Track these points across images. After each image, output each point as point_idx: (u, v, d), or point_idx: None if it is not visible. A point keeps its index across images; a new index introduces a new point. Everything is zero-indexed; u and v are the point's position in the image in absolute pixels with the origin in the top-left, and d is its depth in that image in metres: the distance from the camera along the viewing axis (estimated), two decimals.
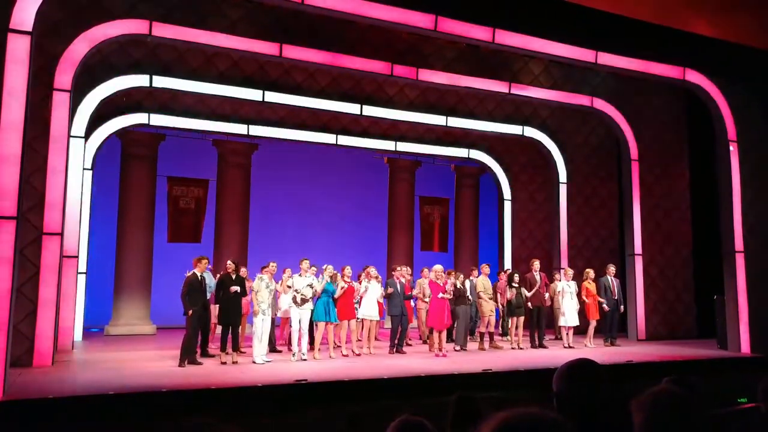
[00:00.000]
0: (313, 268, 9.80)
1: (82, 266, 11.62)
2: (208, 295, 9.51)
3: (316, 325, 9.62)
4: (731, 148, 11.47)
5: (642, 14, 10.43)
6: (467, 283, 11.04)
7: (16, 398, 6.34)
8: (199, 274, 8.96)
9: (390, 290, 10.40)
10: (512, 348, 10.93)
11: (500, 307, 11.41)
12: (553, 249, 14.35)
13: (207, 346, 9.89)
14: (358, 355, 9.82)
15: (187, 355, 8.75)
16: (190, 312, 8.75)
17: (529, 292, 11.29)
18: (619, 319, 12.13)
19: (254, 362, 8.91)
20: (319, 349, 9.59)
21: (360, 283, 10.56)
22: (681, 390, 1.82)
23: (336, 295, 9.64)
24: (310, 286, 9.35)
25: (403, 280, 10.83)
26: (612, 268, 11.82)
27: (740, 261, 11.19)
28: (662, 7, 10.34)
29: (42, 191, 8.56)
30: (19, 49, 6.89)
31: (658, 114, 13.65)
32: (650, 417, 1.74)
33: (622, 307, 11.79)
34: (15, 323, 7.07)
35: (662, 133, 13.61)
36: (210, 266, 9.87)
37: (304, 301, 9.29)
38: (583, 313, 11.36)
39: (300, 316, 9.31)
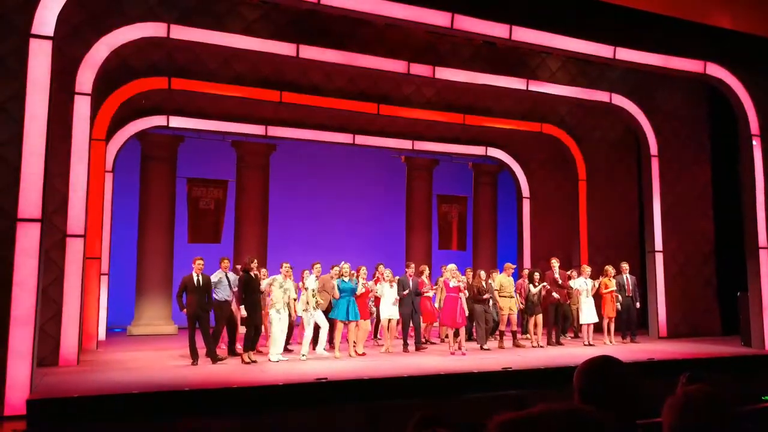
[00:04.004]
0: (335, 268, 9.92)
1: (105, 267, 11.78)
2: (228, 294, 9.57)
3: (335, 323, 9.67)
4: (754, 142, 11.29)
5: (661, 8, 10.31)
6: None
7: (43, 397, 6.46)
8: (195, 275, 9.01)
9: (405, 292, 10.41)
10: (533, 346, 10.88)
11: (520, 305, 11.32)
12: (572, 246, 14.24)
13: (235, 344, 9.96)
14: (364, 354, 9.84)
15: (214, 353, 8.95)
16: (185, 311, 8.88)
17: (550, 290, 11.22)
18: (639, 316, 12.03)
19: (270, 360, 8.99)
20: (338, 347, 9.64)
21: (376, 284, 10.62)
22: (713, 390, 1.80)
23: (357, 293, 9.70)
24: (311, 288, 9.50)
25: (423, 278, 10.86)
26: (625, 266, 11.72)
27: (764, 257, 11.01)
28: None
29: (65, 194, 8.69)
30: (41, 53, 7.01)
31: (678, 109, 13.47)
32: (683, 417, 1.72)
33: (638, 303, 11.67)
34: (41, 324, 7.20)
35: (682, 128, 13.43)
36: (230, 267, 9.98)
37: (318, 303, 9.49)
38: (600, 311, 11.28)
39: (308, 318, 9.43)
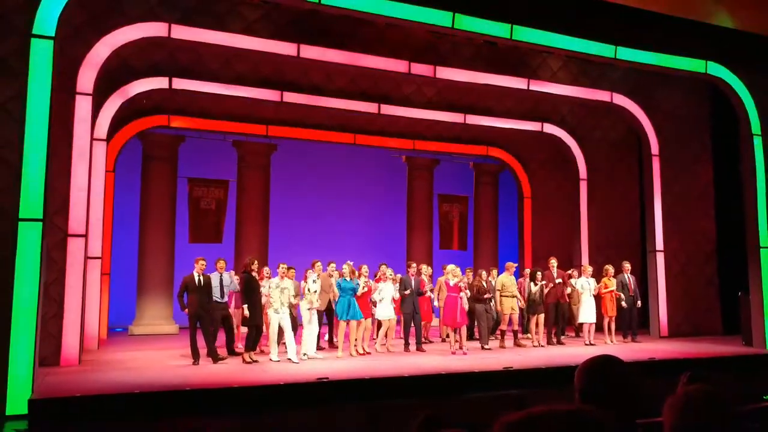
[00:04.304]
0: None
1: (106, 267, 11.79)
2: (219, 295, 9.58)
3: (338, 323, 9.68)
4: (755, 141, 11.28)
5: (662, 7, 10.31)
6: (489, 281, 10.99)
7: (44, 397, 6.47)
8: (196, 275, 9.02)
9: (407, 292, 10.41)
10: (534, 346, 10.88)
11: (521, 304, 11.32)
12: (573, 246, 14.24)
13: (234, 344, 9.96)
14: (369, 353, 9.83)
15: (215, 353, 8.94)
16: (186, 311, 8.90)
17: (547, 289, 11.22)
18: (640, 316, 12.03)
19: (271, 360, 9.00)
20: (341, 347, 9.66)
21: (377, 282, 10.62)
22: (713, 389, 1.80)
23: (358, 293, 9.69)
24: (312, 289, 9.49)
25: (424, 277, 10.88)
26: (627, 265, 11.74)
27: (766, 256, 11.00)
28: None
29: (66, 193, 8.70)
30: (42, 53, 7.02)
31: (679, 108, 13.46)
32: (683, 417, 1.73)
33: (639, 302, 11.74)
34: (42, 323, 7.21)
35: (683, 128, 13.41)
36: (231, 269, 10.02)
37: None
38: (600, 310, 11.29)
39: (309, 317, 9.42)
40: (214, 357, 8.92)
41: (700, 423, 1.70)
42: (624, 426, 1.79)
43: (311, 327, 9.49)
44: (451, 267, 10.17)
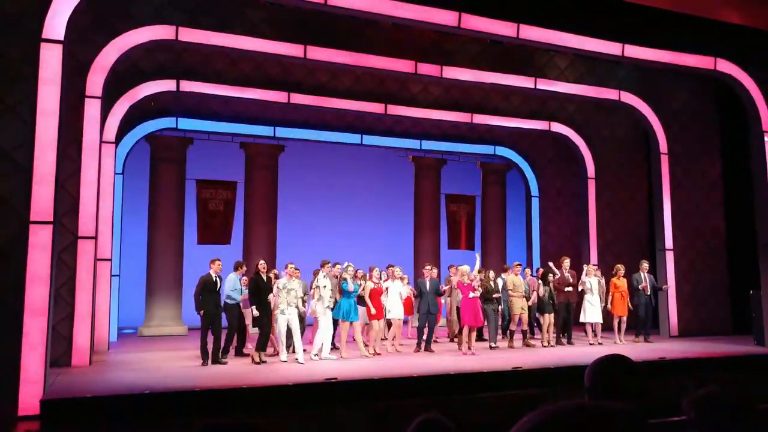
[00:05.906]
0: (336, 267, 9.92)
1: (116, 269, 11.86)
2: (239, 298, 9.62)
3: (341, 324, 9.68)
4: (766, 138, 11.20)
5: (669, 4, 10.26)
6: (498, 281, 10.96)
7: (56, 397, 6.52)
8: (213, 275, 9.07)
9: (413, 291, 10.40)
10: (543, 346, 10.85)
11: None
12: (582, 245, 14.18)
13: (244, 345, 9.99)
14: (379, 354, 9.82)
15: (219, 354, 8.95)
16: (202, 312, 8.95)
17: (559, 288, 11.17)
18: (652, 315, 11.98)
19: (282, 360, 9.02)
20: (343, 348, 9.67)
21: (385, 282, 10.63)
22: (729, 389, 1.81)
23: (359, 293, 9.66)
24: (324, 286, 9.45)
25: (434, 279, 10.89)
26: (645, 264, 11.70)
27: None
28: None
29: (76, 196, 8.77)
30: (51, 57, 7.06)
31: (688, 105, 13.38)
32: (701, 416, 1.73)
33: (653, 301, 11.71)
34: (54, 325, 7.26)
35: (692, 125, 13.33)
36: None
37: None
38: (610, 310, 11.24)
39: (324, 318, 9.41)
40: (216, 359, 8.91)
41: (716, 422, 1.71)
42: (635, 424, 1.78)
43: (326, 328, 9.49)
44: (464, 268, 10.16)
